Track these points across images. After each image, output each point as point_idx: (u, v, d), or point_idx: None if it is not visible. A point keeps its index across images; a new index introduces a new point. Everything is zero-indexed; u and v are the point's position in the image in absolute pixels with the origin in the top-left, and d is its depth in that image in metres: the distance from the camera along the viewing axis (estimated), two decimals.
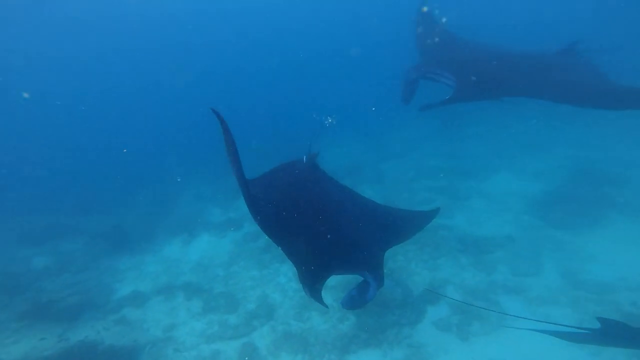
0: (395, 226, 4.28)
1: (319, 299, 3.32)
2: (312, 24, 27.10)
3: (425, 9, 7.47)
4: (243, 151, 3.11)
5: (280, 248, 3.67)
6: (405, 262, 6.55)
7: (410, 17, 7.54)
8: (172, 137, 15.39)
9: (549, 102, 4.93)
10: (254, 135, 12.24)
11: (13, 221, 9.81)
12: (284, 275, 6.79)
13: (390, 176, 9.68)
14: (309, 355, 5.19)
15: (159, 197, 10.65)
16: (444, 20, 7.42)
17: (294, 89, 19.31)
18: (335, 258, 3.54)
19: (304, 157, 5.05)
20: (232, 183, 3.21)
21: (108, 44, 24.65)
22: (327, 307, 3.53)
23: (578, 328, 3.36)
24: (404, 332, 5.35)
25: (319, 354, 5.18)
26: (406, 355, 5.04)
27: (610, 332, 3.12)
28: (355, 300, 3.52)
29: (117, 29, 24.30)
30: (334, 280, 5.86)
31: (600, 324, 3.15)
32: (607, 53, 6.32)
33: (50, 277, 7.52)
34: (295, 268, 3.49)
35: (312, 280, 3.31)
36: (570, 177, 8.31)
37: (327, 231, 3.70)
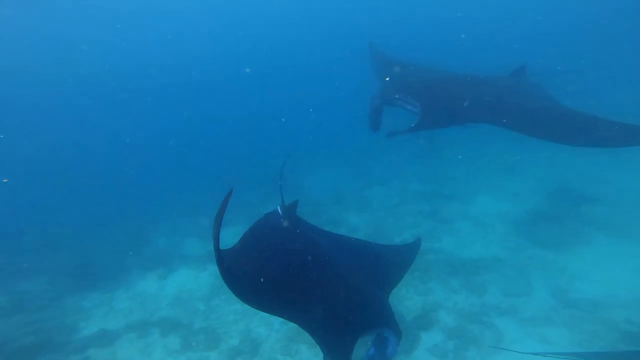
0: (390, 267, 4.08)
1: None
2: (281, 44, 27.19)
3: (373, 45, 7.76)
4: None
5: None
6: (395, 288, 6.32)
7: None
8: (147, 168, 14.71)
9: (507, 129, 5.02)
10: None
11: None
12: None
13: (375, 202, 9.63)
14: None
15: (131, 231, 9.95)
16: (394, 52, 7.67)
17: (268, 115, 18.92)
18: (353, 323, 3.15)
19: (278, 207, 4.66)
20: (212, 215, 2.89)
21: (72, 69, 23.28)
22: None
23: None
24: None
25: None
26: None
27: None
28: None
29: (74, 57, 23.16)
30: None
31: None
32: (561, 75, 6.68)
33: (3, 317, 6.69)
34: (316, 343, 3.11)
35: (344, 356, 2.95)
36: (548, 197, 8.57)
37: (333, 296, 3.32)
